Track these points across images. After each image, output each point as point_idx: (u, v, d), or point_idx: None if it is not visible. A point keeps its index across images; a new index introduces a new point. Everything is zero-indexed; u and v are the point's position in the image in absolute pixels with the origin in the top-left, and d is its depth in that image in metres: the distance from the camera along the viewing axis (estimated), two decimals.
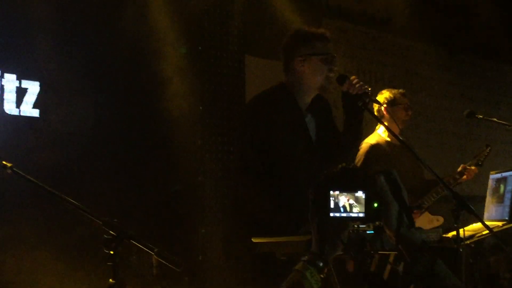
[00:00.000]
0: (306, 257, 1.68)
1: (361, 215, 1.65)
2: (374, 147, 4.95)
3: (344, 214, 1.65)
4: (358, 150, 4.72)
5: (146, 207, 5.08)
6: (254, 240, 3.25)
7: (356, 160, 4.77)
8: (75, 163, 4.81)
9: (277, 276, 3.39)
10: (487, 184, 4.98)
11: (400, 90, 5.22)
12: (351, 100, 3.50)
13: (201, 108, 5.73)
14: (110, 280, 2.29)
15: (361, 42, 7.76)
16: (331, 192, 1.64)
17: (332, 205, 1.64)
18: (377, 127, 5.17)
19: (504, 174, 4.79)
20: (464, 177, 5.19)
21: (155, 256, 2.34)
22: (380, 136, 5.09)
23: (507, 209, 4.58)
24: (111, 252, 2.29)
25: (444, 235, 4.09)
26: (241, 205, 3.53)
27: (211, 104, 5.80)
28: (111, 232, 2.35)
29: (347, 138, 3.64)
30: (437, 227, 5.07)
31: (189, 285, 4.98)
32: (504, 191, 4.68)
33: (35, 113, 4.77)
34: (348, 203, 1.65)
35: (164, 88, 5.50)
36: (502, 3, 8.07)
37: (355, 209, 1.64)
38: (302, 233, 3.17)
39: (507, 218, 4.55)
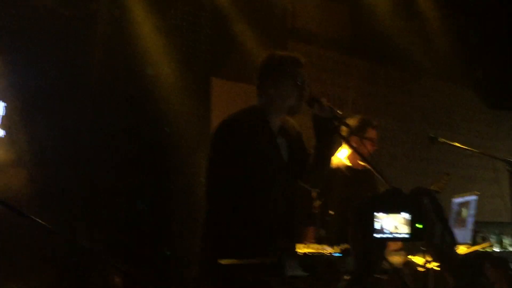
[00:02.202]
0: (349, 276, 1.68)
1: (405, 235, 1.66)
2: (333, 171, 4.91)
3: (389, 235, 1.66)
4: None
5: (111, 227, 5.02)
6: (221, 261, 3.23)
7: None
8: (41, 182, 4.76)
9: None
10: (448, 208, 5.04)
11: (375, 123, 5.17)
12: (321, 123, 3.53)
13: (167, 129, 5.71)
14: None
15: (324, 65, 7.83)
16: (375, 214, 1.65)
17: (376, 227, 1.65)
18: (337, 151, 5.14)
19: (467, 198, 4.87)
20: None
21: (119, 276, 2.29)
22: (341, 160, 5.07)
23: (469, 233, 4.65)
24: (82, 273, 2.26)
25: (408, 257, 4.13)
26: (211, 227, 3.53)
27: (177, 125, 5.78)
28: (79, 252, 2.32)
29: (318, 160, 3.66)
30: (400, 249, 5.09)
31: None
32: (466, 215, 4.75)
33: (0, 133, 4.71)
34: (392, 224, 1.66)
35: (130, 108, 5.49)
36: (463, 28, 8.23)
37: (400, 230, 1.65)
38: (272, 254, 3.17)
39: (469, 242, 4.61)
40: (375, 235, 1.67)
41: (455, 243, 1.65)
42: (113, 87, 5.34)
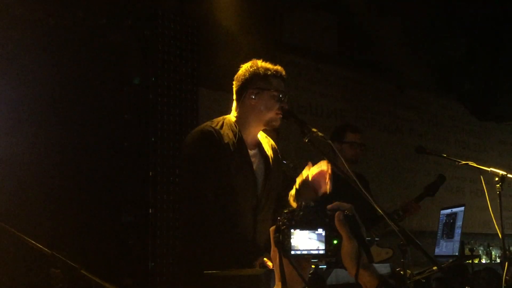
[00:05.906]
0: None
1: (321, 252, 1.64)
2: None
3: (304, 252, 1.64)
4: None
5: (96, 238, 4.99)
6: (206, 272, 3.19)
7: None
8: (21, 192, 4.71)
9: None
10: (437, 219, 5.02)
11: (355, 127, 5.18)
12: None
13: (153, 139, 5.68)
14: None
15: (312, 76, 7.84)
16: (292, 230, 1.63)
17: (292, 243, 1.63)
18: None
19: (454, 209, 4.85)
20: (407, 213, 5.12)
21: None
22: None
23: (457, 245, 4.63)
24: (60, 285, 2.22)
25: (397, 269, 4.09)
26: (189, 238, 3.49)
27: (164, 135, 5.76)
28: (59, 264, 2.28)
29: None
30: (386, 260, 5.04)
31: None
32: (454, 227, 4.73)
33: None
34: (308, 241, 1.64)
35: (116, 118, 5.46)
36: (450, 41, 8.26)
37: (315, 246, 1.64)
38: (254, 266, 3.14)
39: (457, 254, 4.59)
40: (292, 252, 1.64)
41: (371, 260, 1.62)
42: (99, 96, 5.30)
